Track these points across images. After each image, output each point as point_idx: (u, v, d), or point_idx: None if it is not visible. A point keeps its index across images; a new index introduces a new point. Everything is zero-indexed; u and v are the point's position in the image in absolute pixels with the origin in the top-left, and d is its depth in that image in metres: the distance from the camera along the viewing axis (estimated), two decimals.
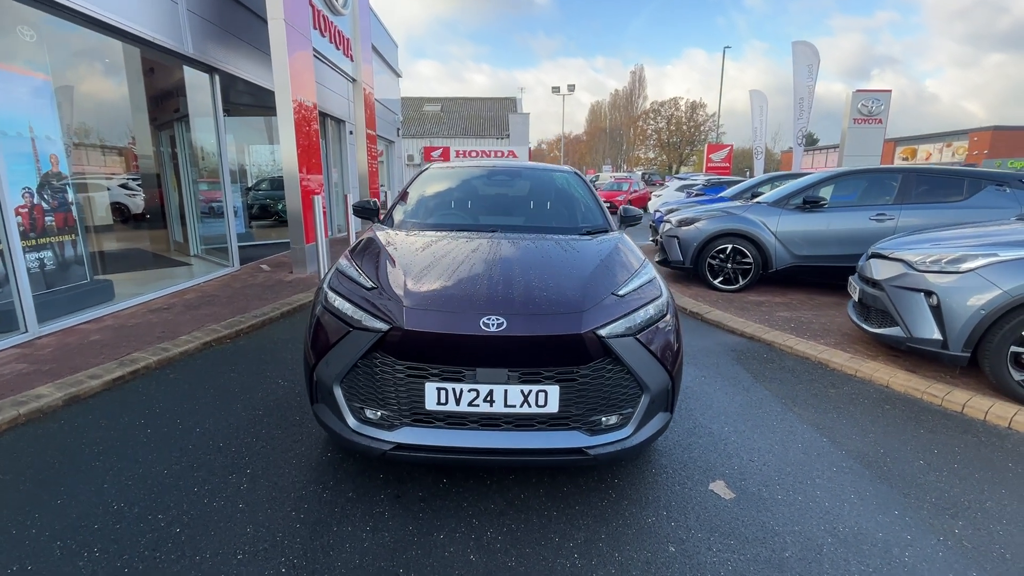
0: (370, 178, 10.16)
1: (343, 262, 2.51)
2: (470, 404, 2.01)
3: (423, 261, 2.42)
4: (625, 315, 2.13)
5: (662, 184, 22.15)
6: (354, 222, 8.44)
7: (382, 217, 3.40)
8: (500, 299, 2.09)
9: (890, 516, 2.19)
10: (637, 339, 2.09)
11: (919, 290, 3.44)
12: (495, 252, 2.55)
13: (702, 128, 65.52)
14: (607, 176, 40.39)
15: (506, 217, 3.39)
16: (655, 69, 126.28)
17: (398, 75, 16.63)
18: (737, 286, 6.16)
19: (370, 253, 2.59)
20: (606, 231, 3.16)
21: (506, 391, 1.99)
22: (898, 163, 41.91)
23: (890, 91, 16.47)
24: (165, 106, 7.19)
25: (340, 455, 2.53)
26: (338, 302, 2.22)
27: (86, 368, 3.34)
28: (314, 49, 7.21)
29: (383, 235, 2.88)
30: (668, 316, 2.28)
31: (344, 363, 2.09)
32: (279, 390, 3.27)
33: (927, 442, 2.82)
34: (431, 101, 31.52)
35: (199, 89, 6.53)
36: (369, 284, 2.23)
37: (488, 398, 2.00)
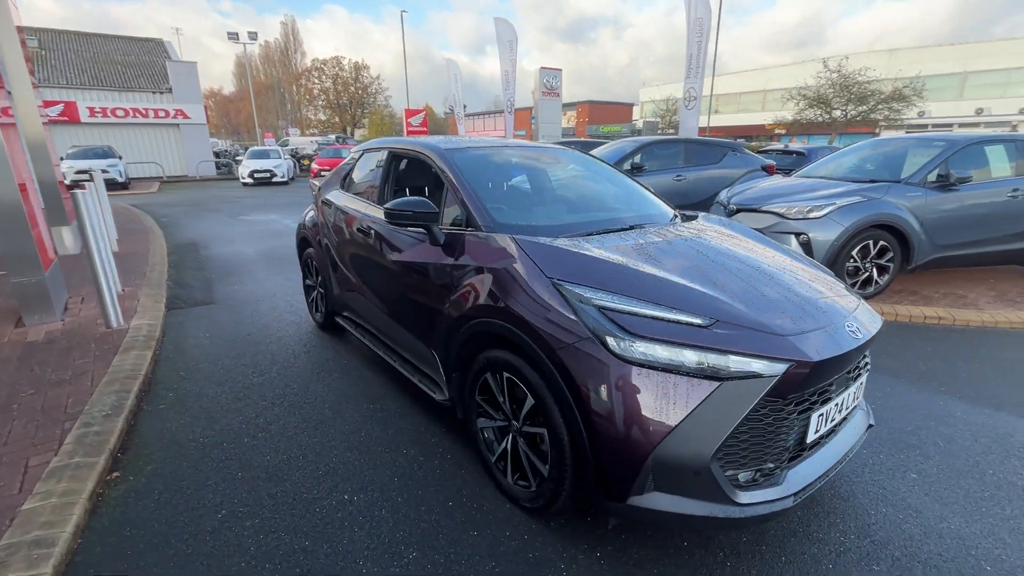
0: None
1: (601, 296, 1.77)
2: (830, 419, 1.88)
3: (697, 276, 1.95)
4: None
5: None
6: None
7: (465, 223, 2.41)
8: (836, 303, 1.96)
9: (965, 408, 2.97)
10: None
11: (791, 233, 4.76)
12: (722, 251, 2.25)
13: (370, 90, 65.43)
14: (303, 140, 36.37)
15: (610, 210, 2.92)
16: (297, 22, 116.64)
17: None
18: None
19: (611, 277, 1.89)
20: (678, 213, 3.11)
21: (847, 395, 1.95)
22: None
23: (561, 69, 20.35)
24: None
25: (635, 555, 1.92)
26: (656, 349, 1.63)
27: None
28: None
29: (582, 250, 2.08)
30: None
31: (720, 427, 1.60)
32: (366, 509, 2.09)
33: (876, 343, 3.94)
34: (23, 31, 20.79)
35: None
36: (694, 320, 1.70)
37: (840, 407, 1.91)
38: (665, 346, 1.63)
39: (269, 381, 3.27)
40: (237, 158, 25.13)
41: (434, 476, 2.33)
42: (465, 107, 23.37)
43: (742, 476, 1.71)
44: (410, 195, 3.47)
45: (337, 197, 3.64)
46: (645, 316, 1.70)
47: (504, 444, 2.16)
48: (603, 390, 1.66)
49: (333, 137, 36.21)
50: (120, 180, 16.54)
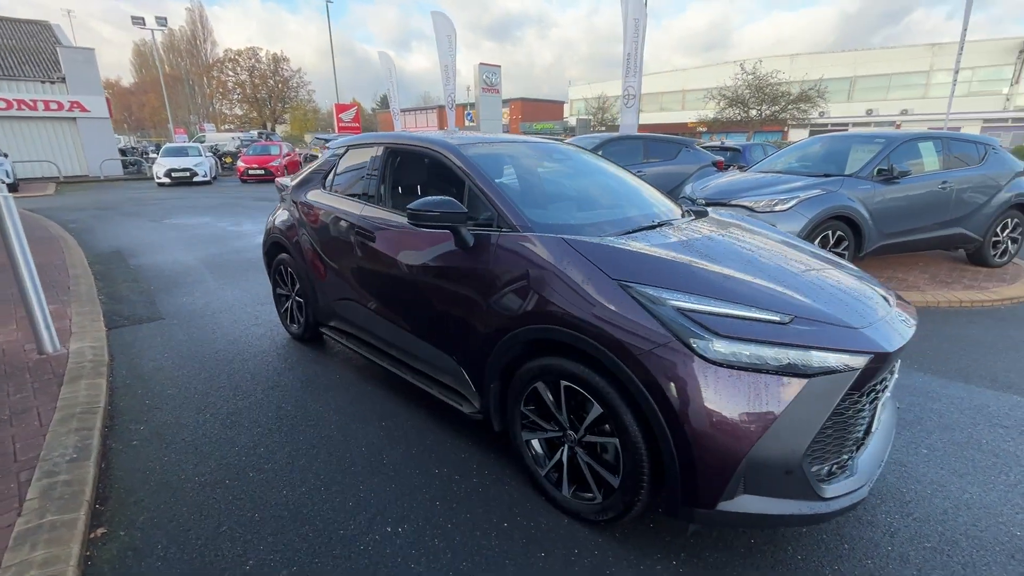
0: None
1: (676, 296, 1.70)
2: (885, 406, 1.94)
3: (755, 271, 1.93)
4: None
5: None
6: None
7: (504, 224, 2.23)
8: (880, 294, 2.02)
9: (941, 383, 3.18)
10: None
11: None
12: (761, 247, 2.25)
13: (291, 84, 61.97)
14: (223, 136, 33.72)
15: (629, 206, 2.83)
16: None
17: None
18: None
19: (676, 276, 1.82)
20: (685, 209, 3.10)
21: (893, 382, 2.02)
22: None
23: (500, 66, 20.24)
24: None
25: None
26: (741, 349, 1.60)
27: None
28: None
29: (635, 248, 1.99)
30: None
31: (811, 423, 1.60)
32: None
33: None
34: None
35: None
36: (772, 317, 1.67)
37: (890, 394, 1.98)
38: (750, 345, 1.60)
39: (257, 404, 2.93)
40: (149, 155, 22.85)
41: (477, 496, 2.17)
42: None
43: (824, 470, 1.72)
44: (404, 194, 3.25)
45: (321, 197, 3.32)
46: (725, 315, 1.66)
47: (558, 456, 2.05)
48: (692, 394, 1.59)
49: (255, 133, 33.93)
50: (7, 181, 14.45)
